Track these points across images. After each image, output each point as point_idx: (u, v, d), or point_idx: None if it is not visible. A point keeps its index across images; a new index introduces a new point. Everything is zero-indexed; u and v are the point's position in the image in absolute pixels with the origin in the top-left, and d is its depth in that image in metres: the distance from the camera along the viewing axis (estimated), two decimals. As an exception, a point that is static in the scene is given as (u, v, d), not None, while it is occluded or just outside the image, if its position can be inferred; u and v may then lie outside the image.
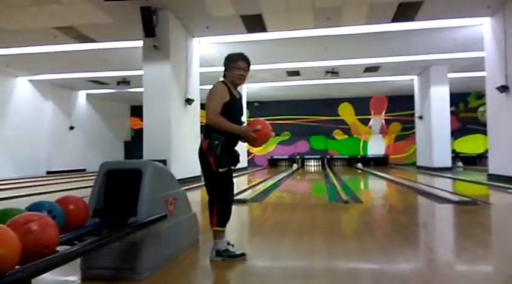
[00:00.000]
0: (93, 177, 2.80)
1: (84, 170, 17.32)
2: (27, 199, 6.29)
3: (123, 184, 2.77)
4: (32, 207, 2.01)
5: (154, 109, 8.70)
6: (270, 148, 20.04)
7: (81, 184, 9.73)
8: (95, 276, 2.44)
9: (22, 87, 14.94)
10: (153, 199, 2.67)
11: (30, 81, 15.12)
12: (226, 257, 2.81)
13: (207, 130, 2.86)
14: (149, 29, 8.11)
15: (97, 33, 9.77)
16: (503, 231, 4.14)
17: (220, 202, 2.86)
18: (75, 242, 2.03)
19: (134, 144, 19.59)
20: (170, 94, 8.71)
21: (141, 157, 8.97)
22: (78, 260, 2.38)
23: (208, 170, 2.85)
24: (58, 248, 1.76)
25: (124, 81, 14.99)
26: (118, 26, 9.19)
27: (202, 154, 2.85)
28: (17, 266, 1.49)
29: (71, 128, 17.08)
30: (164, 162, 8.06)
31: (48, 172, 15.55)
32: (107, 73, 14.24)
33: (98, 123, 19.50)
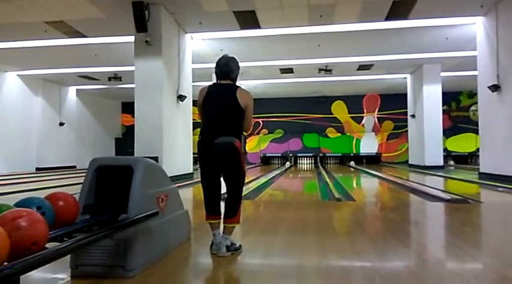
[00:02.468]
0: (84, 174, 2.76)
1: (75, 167, 17.16)
2: (16, 195, 6.22)
3: (114, 181, 2.73)
4: (21, 203, 1.97)
5: (146, 106, 8.63)
6: (263, 145, 20.04)
7: (71, 181, 9.64)
8: (84, 273, 2.40)
9: (11, 82, 14.71)
10: (145, 196, 2.64)
11: (19, 76, 14.90)
12: (233, 251, 2.92)
13: (234, 130, 2.88)
14: (141, 24, 8.02)
15: (88, 28, 9.66)
16: (493, 229, 4.17)
17: (241, 199, 3.02)
18: (65, 239, 2.00)
19: (125, 141, 19.47)
20: (162, 90, 8.64)
21: (133, 154, 8.90)
22: (68, 257, 2.34)
23: (239, 168, 2.92)
24: (47, 245, 1.73)
25: (115, 77, 14.85)
26: (109, 21, 9.09)
27: (237, 153, 2.86)
28: (5, 263, 1.47)
29: (61, 124, 16.89)
30: (156, 158, 8.00)
31: (37, 169, 15.38)
32: (97, 69, 14.08)
33: (88, 119, 19.31)
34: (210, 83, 3.05)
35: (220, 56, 3.08)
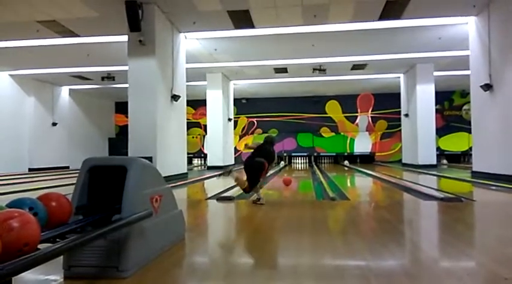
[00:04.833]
0: (77, 174, 2.74)
1: (68, 167, 17.05)
2: (8, 196, 6.16)
3: (108, 181, 2.71)
4: (13, 204, 1.95)
5: (139, 106, 8.60)
6: (257, 145, 19.99)
7: (64, 182, 9.57)
8: (77, 275, 2.38)
9: (3, 82, 14.61)
10: (138, 196, 2.62)
11: (11, 75, 14.79)
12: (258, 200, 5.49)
13: (264, 157, 5.58)
14: (134, 24, 7.99)
15: (81, 27, 9.60)
16: (486, 227, 4.20)
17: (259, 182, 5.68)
18: (57, 239, 1.98)
19: (119, 141, 19.38)
20: (156, 90, 8.62)
21: (126, 154, 8.86)
22: (61, 258, 2.32)
23: (262, 171, 5.58)
24: (40, 246, 1.71)
25: (108, 77, 14.77)
26: (102, 20, 9.04)
27: (263, 165, 5.53)
28: (-4, 265, 1.44)
29: (54, 124, 16.79)
30: (150, 158, 7.97)
31: (30, 169, 15.27)
32: (90, 69, 14.01)
33: (81, 120, 19.20)
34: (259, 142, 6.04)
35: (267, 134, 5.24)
